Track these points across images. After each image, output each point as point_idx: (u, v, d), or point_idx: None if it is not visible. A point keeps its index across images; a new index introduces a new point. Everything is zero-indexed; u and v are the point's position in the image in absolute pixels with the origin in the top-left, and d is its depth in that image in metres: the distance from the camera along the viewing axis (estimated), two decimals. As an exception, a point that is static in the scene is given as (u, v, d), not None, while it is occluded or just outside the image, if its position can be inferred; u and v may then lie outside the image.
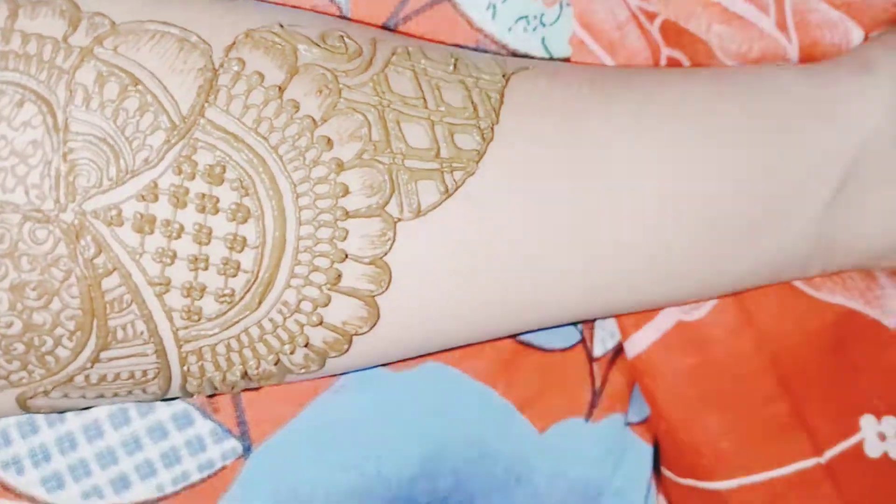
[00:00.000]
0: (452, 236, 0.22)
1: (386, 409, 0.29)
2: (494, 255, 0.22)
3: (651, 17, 0.29)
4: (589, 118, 0.22)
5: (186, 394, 0.24)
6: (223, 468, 0.28)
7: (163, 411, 0.28)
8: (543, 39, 0.28)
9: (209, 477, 0.28)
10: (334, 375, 0.28)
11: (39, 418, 0.27)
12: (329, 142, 0.20)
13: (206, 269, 0.21)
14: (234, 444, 0.28)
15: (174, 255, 0.20)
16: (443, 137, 0.21)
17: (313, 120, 0.20)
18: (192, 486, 0.28)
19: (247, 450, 0.28)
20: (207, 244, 0.20)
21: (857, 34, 0.29)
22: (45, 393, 0.22)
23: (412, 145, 0.21)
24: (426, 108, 0.21)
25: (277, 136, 0.20)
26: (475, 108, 0.22)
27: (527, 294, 0.23)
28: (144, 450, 0.27)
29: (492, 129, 0.21)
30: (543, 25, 0.27)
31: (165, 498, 0.28)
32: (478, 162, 0.21)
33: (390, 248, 0.21)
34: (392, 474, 0.29)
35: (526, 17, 0.27)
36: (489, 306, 0.23)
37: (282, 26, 0.21)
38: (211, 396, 0.27)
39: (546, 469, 0.31)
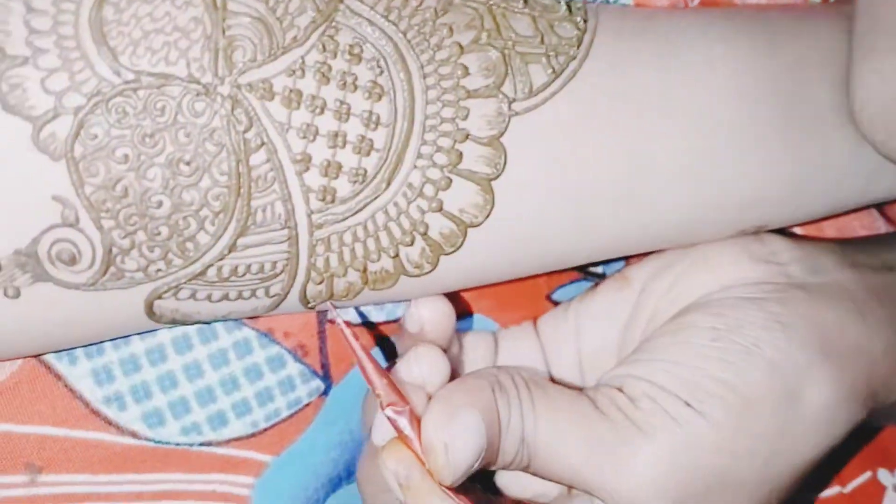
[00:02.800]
0: (560, 118, 0.24)
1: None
2: (600, 144, 0.24)
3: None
4: (670, 18, 0.26)
5: (304, 301, 0.25)
6: (307, 405, 0.29)
7: (258, 354, 0.28)
8: None
9: (296, 413, 0.29)
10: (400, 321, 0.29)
11: (141, 356, 0.27)
12: (450, 29, 0.23)
13: (343, 146, 0.22)
14: (318, 384, 0.29)
15: (316, 132, 0.22)
16: (545, 28, 0.24)
17: (435, 11, 0.23)
18: (282, 421, 0.29)
19: (327, 388, 0.29)
20: (346, 121, 0.22)
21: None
22: (176, 291, 0.23)
23: (520, 34, 0.24)
24: (526, 5, 0.24)
25: (405, 24, 0.23)
26: (568, 7, 0.25)
27: (628, 188, 0.25)
28: (241, 389, 0.28)
29: (584, 22, 0.24)
30: None
31: (258, 434, 0.28)
32: (577, 47, 0.24)
33: (506, 128, 0.23)
34: None
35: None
36: (591, 204, 0.25)
37: None
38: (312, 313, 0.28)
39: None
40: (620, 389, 0.26)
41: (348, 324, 0.26)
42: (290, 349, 0.29)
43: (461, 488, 0.25)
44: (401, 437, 0.24)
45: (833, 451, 0.27)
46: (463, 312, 0.31)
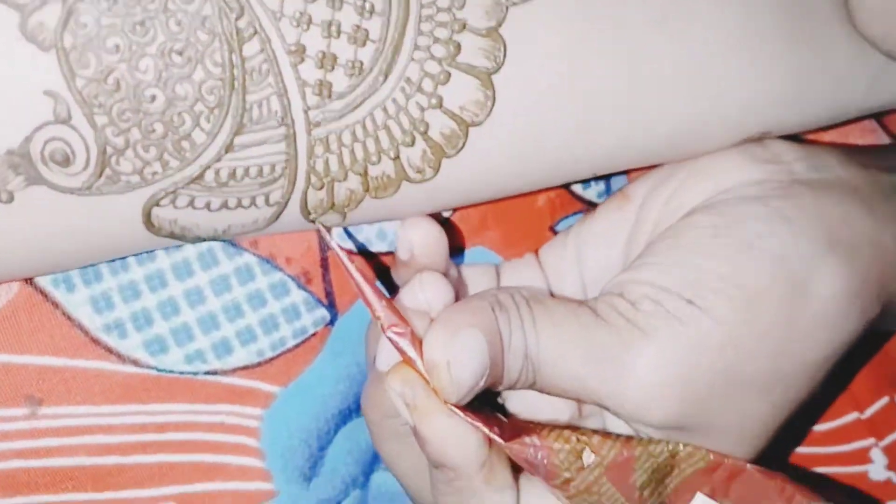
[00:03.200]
0: (561, 11, 0.23)
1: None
2: (601, 40, 0.24)
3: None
4: None
5: (305, 211, 0.24)
6: (314, 334, 0.28)
7: (261, 280, 0.27)
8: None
9: (302, 342, 0.28)
10: None
11: (141, 283, 0.26)
12: None
13: (337, 35, 0.22)
14: (323, 313, 0.28)
15: (310, 20, 0.22)
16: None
17: None
18: (288, 350, 0.28)
19: (333, 318, 0.28)
20: (340, 9, 0.22)
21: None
22: (174, 197, 0.23)
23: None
24: None
25: None
26: None
27: (630, 88, 0.25)
28: (245, 316, 0.27)
29: None
30: None
31: (265, 363, 0.27)
32: None
33: (504, 18, 0.23)
34: None
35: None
36: (594, 105, 0.25)
37: None
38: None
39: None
40: (621, 296, 0.25)
41: (344, 249, 0.25)
42: (292, 275, 0.28)
43: (469, 408, 0.24)
44: (403, 357, 0.24)
45: (846, 362, 0.26)
46: (458, 247, 0.31)
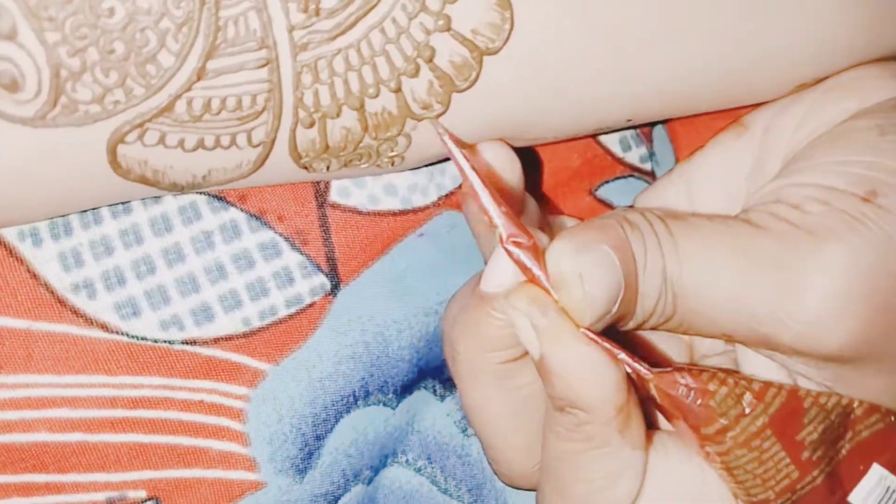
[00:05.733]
0: None
1: (465, 257, 0.26)
2: None
3: None
4: None
5: (295, 154, 0.21)
6: (311, 305, 0.25)
7: (248, 239, 0.24)
8: None
9: (297, 313, 0.25)
10: (420, 213, 0.26)
11: (114, 238, 0.23)
12: None
13: (327, -61, 0.19)
14: (322, 281, 0.25)
15: (293, -82, 0.19)
16: None
17: None
18: (280, 322, 0.24)
19: (335, 287, 0.25)
20: None
21: None
22: (141, 132, 0.20)
23: None
24: None
25: None
26: None
27: (665, 22, 0.21)
28: (229, 279, 0.24)
29: None
30: None
31: (251, 334, 0.24)
32: None
33: None
34: None
35: None
36: (624, 38, 0.21)
37: None
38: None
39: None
40: (779, 202, 0.21)
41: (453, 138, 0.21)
42: (285, 235, 0.25)
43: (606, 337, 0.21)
44: (526, 274, 0.20)
45: None
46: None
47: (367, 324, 0.26)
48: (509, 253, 0.20)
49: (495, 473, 0.25)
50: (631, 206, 0.27)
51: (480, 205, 0.21)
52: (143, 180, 0.21)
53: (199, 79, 0.19)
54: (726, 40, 0.23)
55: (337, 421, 0.26)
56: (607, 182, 0.28)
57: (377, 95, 0.21)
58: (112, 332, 0.23)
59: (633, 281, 0.21)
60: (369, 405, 0.27)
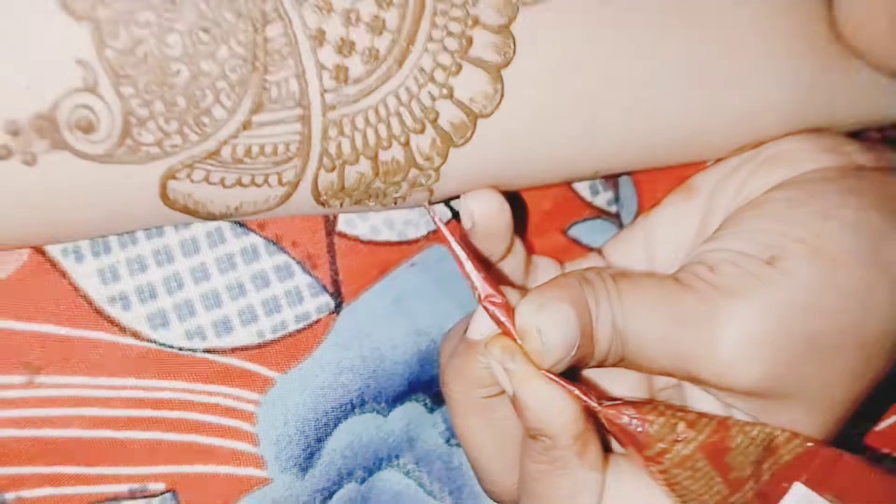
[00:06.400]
0: (574, 7, 0.24)
1: (451, 285, 0.30)
2: (613, 41, 0.25)
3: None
4: None
5: (315, 193, 0.25)
6: (317, 321, 0.28)
7: (266, 261, 0.28)
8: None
9: (304, 328, 0.28)
10: (413, 244, 0.30)
11: (148, 257, 0.27)
12: None
13: (356, 23, 0.23)
14: (327, 300, 0.29)
15: (330, 7, 0.22)
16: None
17: None
18: (290, 335, 0.28)
19: (338, 306, 0.29)
20: (361, -1, 0.23)
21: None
22: (190, 170, 0.23)
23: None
24: None
25: None
26: None
27: (641, 90, 0.26)
28: (248, 296, 0.28)
29: None
30: None
31: (264, 345, 0.28)
32: None
33: (516, 16, 0.24)
34: None
35: None
36: (603, 106, 0.26)
37: None
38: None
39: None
40: (700, 263, 0.26)
41: (443, 221, 0.26)
42: (297, 259, 0.28)
43: (565, 378, 0.25)
44: (499, 326, 0.25)
45: None
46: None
47: (365, 340, 0.29)
48: (486, 309, 0.25)
49: (483, 490, 0.29)
50: (595, 253, 0.31)
51: (462, 270, 0.25)
52: (186, 210, 0.25)
53: (244, 129, 0.23)
54: (681, 110, 0.27)
55: (336, 425, 0.30)
56: (577, 223, 0.32)
57: (389, 147, 0.25)
58: (143, 339, 0.27)
59: (588, 329, 0.25)
60: (364, 412, 0.30)
